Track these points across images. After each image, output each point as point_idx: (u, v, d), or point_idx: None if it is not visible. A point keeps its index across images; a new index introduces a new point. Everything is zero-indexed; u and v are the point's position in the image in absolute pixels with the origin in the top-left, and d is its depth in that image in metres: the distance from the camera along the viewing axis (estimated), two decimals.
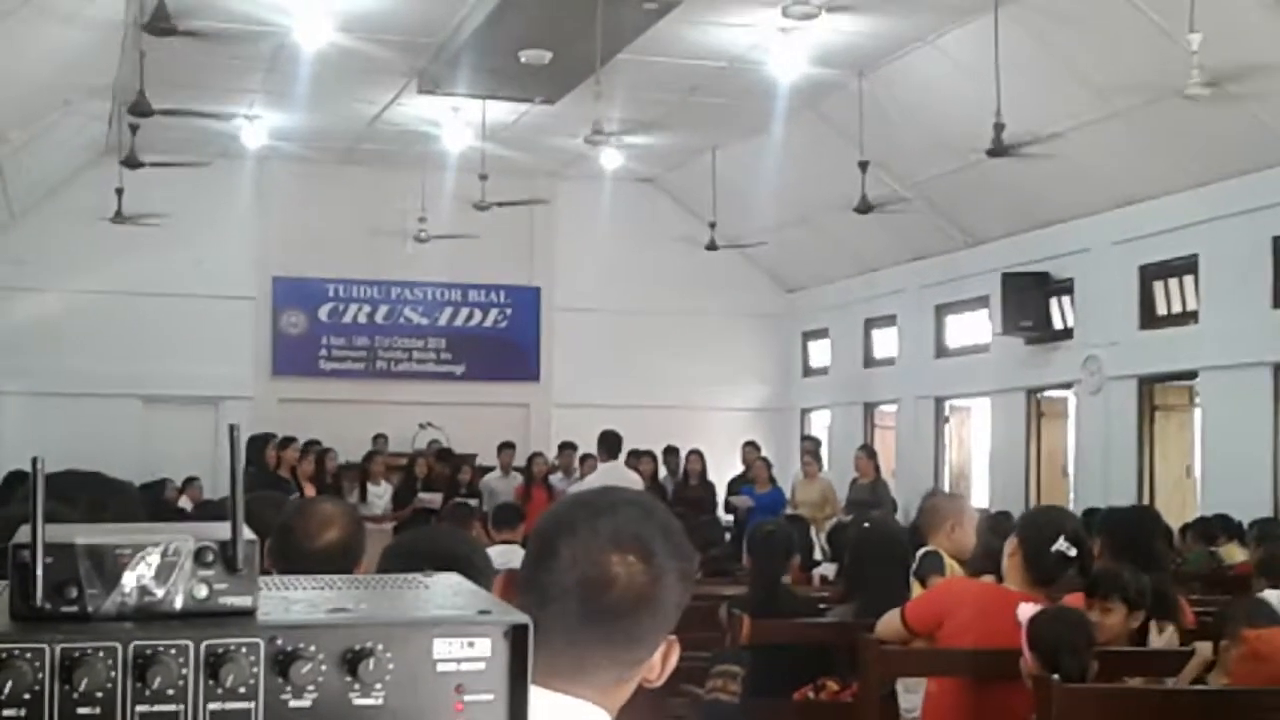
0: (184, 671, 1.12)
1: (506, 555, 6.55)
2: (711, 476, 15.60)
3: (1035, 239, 14.46)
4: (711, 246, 17.20)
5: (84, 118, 14.75)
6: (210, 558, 1.16)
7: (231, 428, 1.21)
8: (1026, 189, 13.58)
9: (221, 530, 1.18)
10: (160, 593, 1.15)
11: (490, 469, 15.72)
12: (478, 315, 19.06)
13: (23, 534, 1.15)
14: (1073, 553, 4.73)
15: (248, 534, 1.18)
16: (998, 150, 11.48)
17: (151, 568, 1.15)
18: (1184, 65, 9.44)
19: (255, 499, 5.87)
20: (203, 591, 1.16)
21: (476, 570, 2.78)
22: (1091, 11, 10.95)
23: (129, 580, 1.15)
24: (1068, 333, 14.33)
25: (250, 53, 12.91)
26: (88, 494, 2.81)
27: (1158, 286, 13.23)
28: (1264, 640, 4.13)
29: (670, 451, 15.96)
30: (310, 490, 12.79)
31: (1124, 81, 11.46)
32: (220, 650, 1.13)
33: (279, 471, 13.89)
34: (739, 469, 15.53)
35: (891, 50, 12.71)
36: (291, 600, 1.23)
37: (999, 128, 11.40)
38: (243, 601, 1.17)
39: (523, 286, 19.11)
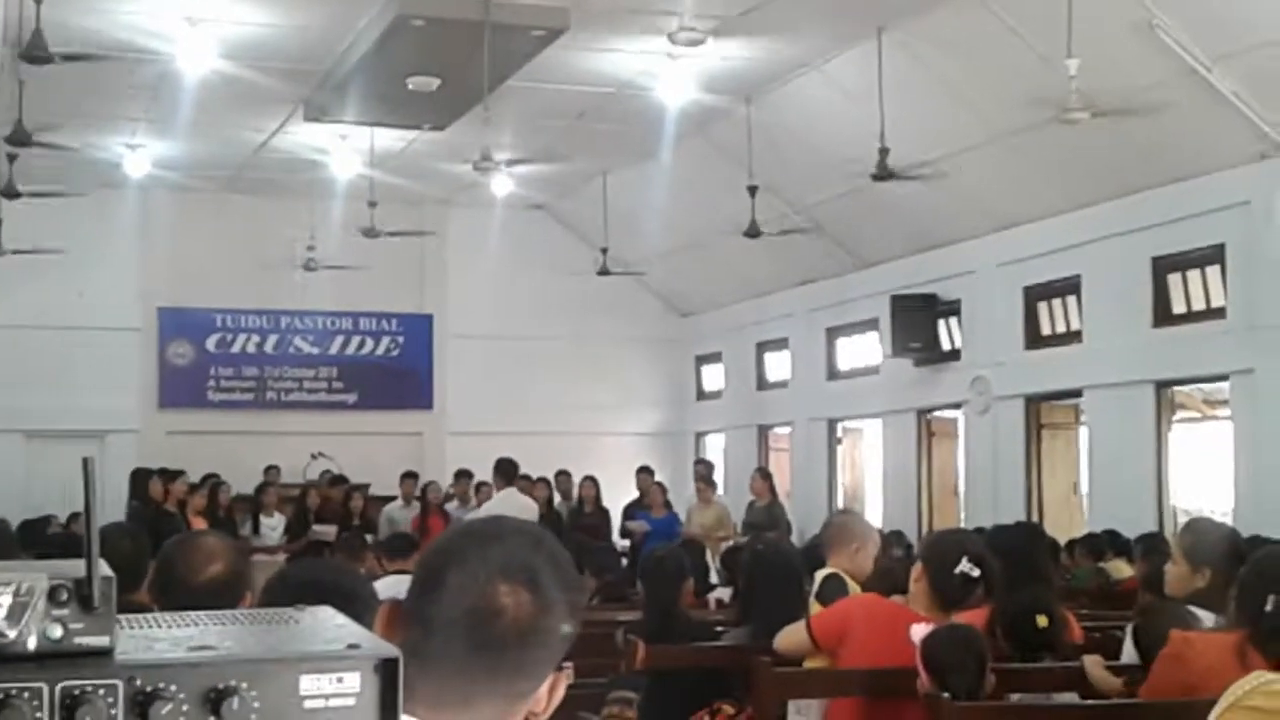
0: (39, 715, 1.08)
1: (399, 585, 6.47)
2: (606, 502, 15.56)
3: (922, 261, 14.65)
4: (604, 272, 17.21)
5: None
6: (65, 596, 1.12)
7: (85, 460, 1.17)
8: (913, 212, 13.76)
9: (77, 568, 1.14)
10: (12, 634, 1.11)
11: (386, 498, 15.58)
12: (369, 344, 18.89)
13: None
14: (976, 573, 4.78)
15: (105, 570, 1.14)
16: (883, 174, 11.66)
17: (2, 608, 1.11)
18: (1063, 90, 9.64)
19: (106, 530, 5.75)
20: (57, 632, 1.12)
21: (361, 601, 2.73)
22: (972, 38, 11.13)
23: None
24: (955, 354, 14.52)
25: (132, 80, 12.69)
26: None
27: (1042, 307, 13.46)
28: (1189, 643, 4.06)
29: (562, 475, 15.88)
30: (199, 524, 12.57)
31: (1005, 106, 11.65)
32: (76, 692, 1.09)
33: (166, 505, 13.66)
34: (634, 494, 15.51)
35: (778, 76, 12.82)
36: (154, 639, 1.19)
37: (884, 152, 11.58)
38: (99, 641, 1.12)
39: (414, 314, 18.99)
